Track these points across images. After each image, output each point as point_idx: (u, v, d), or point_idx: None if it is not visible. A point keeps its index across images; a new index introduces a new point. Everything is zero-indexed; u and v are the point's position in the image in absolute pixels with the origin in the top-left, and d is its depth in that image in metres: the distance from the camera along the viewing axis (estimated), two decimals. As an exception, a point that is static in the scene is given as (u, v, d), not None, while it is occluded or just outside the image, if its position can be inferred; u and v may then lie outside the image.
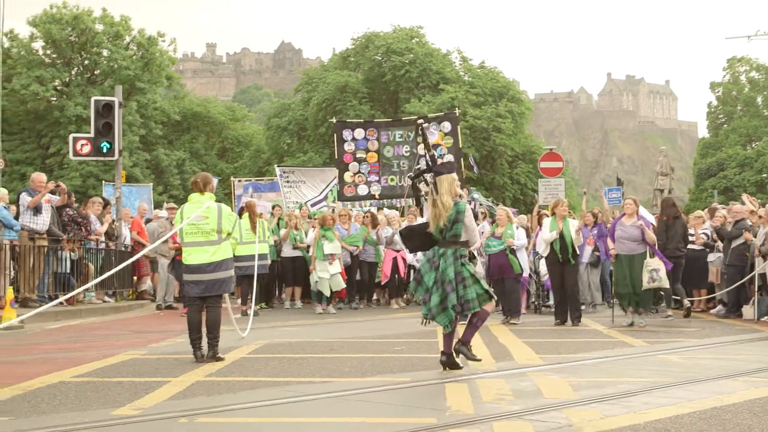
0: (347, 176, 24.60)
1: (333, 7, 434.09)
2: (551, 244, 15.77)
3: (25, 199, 17.52)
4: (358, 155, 24.71)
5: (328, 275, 18.58)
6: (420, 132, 11.65)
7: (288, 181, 27.81)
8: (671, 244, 17.16)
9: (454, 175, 9.92)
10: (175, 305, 19.64)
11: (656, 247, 15.56)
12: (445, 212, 9.50)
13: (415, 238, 9.98)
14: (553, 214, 16.05)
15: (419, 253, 17.30)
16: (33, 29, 55.04)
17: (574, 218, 17.17)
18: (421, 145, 23.76)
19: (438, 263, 9.54)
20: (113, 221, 20.98)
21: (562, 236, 15.65)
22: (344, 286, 19.09)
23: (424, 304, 9.57)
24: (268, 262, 18.80)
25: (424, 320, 9.70)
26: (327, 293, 18.76)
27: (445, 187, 9.64)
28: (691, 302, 19.27)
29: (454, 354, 9.62)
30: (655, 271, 14.97)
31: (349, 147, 24.72)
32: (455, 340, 9.66)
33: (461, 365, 9.64)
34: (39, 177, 18.29)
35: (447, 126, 24.97)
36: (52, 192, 18.14)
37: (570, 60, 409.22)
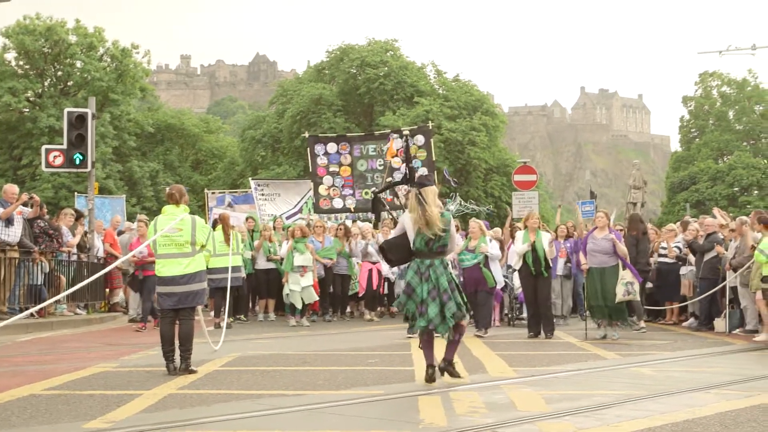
0: (322, 189, 24.60)
1: (308, 20, 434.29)
2: (524, 256, 15.85)
3: (-4, 210, 17.38)
4: (331, 169, 24.71)
5: (299, 288, 18.53)
6: (404, 143, 11.79)
7: (263, 194, 27.79)
8: (642, 259, 17.35)
9: (435, 188, 9.95)
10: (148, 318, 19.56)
11: (628, 261, 15.63)
12: (435, 223, 9.52)
13: (397, 251, 9.93)
14: (526, 227, 16.14)
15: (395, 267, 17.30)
16: (6, 40, 54.73)
17: (547, 231, 17.24)
18: (396, 158, 23.94)
19: (428, 274, 9.57)
20: (86, 233, 20.85)
21: (534, 249, 15.72)
22: (317, 298, 19.00)
23: (421, 316, 9.55)
24: (242, 274, 18.75)
25: (424, 331, 9.68)
26: (299, 305, 18.71)
27: (431, 198, 9.66)
28: (663, 315, 19.44)
29: (440, 373, 9.67)
30: (630, 284, 15.07)
31: (321, 161, 24.71)
32: (439, 360, 9.71)
33: (461, 375, 9.83)
34: (11, 188, 18.16)
35: (420, 139, 24.98)
36: (25, 204, 18.01)
37: (544, 74, 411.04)
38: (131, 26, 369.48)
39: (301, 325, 18.53)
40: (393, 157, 23.59)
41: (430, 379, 9.48)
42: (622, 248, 15.46)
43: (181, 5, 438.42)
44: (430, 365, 9.60)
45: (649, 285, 18.81)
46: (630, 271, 15.29)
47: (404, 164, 23.00)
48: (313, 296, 18.76)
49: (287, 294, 18.83)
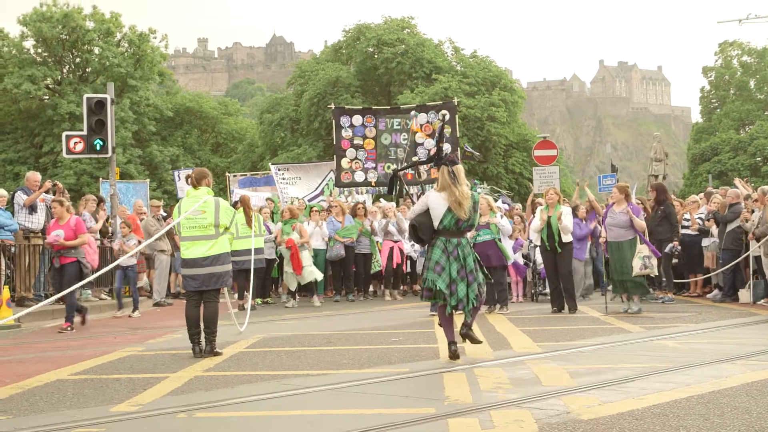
0: (344, 162, 24.57)
1: (324, 0, 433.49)
2: (540, 232, 15.84)
3: (20, 197, 17.49)
4: (355, 141, 24.67)
5: (291, 268, 18.56)
6: (441, 122, 11.93)
7: (284, 178, 27.80)
8: (676, 222, 17.58)
9: (462, 166, 9.98)
10: (169, 301, 19.72)
11: (646, 235, 15.56)
12: (465, 201, 9.56)
13: (427, 231, 9.90)
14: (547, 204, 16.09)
15: (416, 245, 17.28)
16: (23, 28, 54.81)
17: (567, 205, 17.16)
18: (419, 134, 23.94)
19: (456, 253, 9.62)
20: (108, 218, 20.94)
21: (549, 224, 15.68)
22: (312, 278, 18.85)
23: (451, 295, 9.58)
24: (264, 256, 18.79)
25: (452, 310, 9.71)
26: (292, 287, 18.76)
27: (462, 177, 9.69)
28: (687, 287, 19.38)
29: (462, 338, 9.78)
30: (648, 258, 15.00)
31: (346, 133, 24.67)
32: (458, 325, 9.84)
33: (480, 340, 10.05)
34: (34, 176, 18.29)
35: (441, 115, 24.94)
36: (48, 191, 18.12)
37: (562, 47, 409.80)
38: (148, 10, 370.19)
39: (313, 305, 18.53)
40: (416, 132, 23.59)
41: (453, 355, 9.50)
42: (639, 222, 15.35)
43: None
44: (452, 342, 9.63)
45: (675, 261, 18.72)
46: (647, 246, 15.21)
47: (429, 139, 23.10)
48: (309, 276, 18.61)
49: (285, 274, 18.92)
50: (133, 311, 17.22)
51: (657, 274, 15.82)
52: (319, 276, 18.95)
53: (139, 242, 17.36)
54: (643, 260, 14.99)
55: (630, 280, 15.18)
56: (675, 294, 18.17)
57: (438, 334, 11.46)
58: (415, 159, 22.82)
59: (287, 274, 18.73)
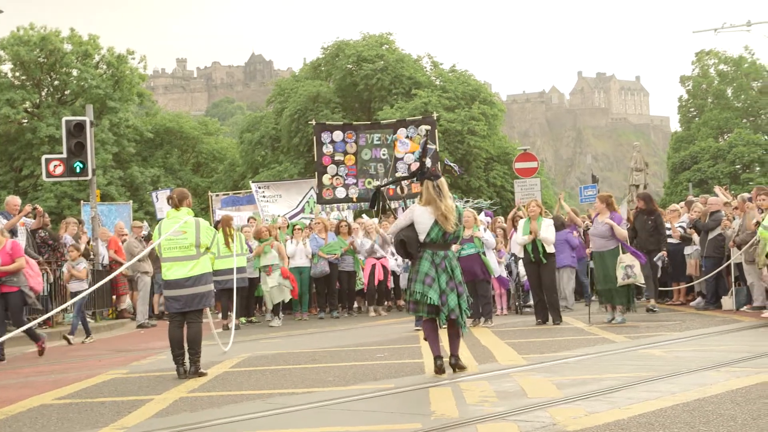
0: (326, 179, 24.56)
1: (302, 18, 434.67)
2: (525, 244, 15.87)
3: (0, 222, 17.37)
4: (336, 158, 24.68)
5: (267, 287, 18.52)
6: (425, 137, 11.90)
7: (264, 196, 27.79)
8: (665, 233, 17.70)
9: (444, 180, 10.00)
10: (153, 322, 19.65)
11: (628, 243, 15.58)
12: (451, 214, 9.62)
13: (414, 245, 9.89)
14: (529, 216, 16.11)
15: (400, 258, 17.28)
16: (1, 52, 54.69)
17: (549, 217, 17.18)
18: (399, 149, 23.98)
19: (444, 265, 9.64)
20: (89, 241, 20.85)
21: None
22: (282, 299, 18.69)
23: (444, 305, 9.57)
24: (247, 275, 18.72)
25: (444, 323, 9.70)
26: (270, 306, 18.71)
27: (446, 190, 9.70)
28: (671, 295, 19.43)
29: (452, 369, 9.69)
30: (630, 267, 14.97)
31: (327, 149, 24.69)
32: (443, 339, 9.85)
33: (465, 366, 9.80)
34: (13, 200, 18.19)
35: (424, 130, 25.00)
36: (27, 215, 18.02)
37: (541, 60, 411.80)
38: (126, 32, 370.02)
39: (270, 325, 18.40)
40: (413, 151, 23.66)
41: (439, 370, 9.49)
42: (620, 231, 15.34)
43: (174, 8, 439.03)
44: (437, 356, 9.61)
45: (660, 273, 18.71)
46: (630, 253, 15.21)
47: (409, 154, 23.15)
48: (276, 297, 18.52)
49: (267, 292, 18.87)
50: (69, 333, 16.58)
51: (643, 282, 15.75)
52: (287, 297, 18.83)
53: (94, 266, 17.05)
54: (625, 270, 14.98)
55: (614, 290, 15.20)
56: (658, 302, 18.22)
57: (423, 348, 11.45)
58: (397, 175, 22.85)
59: (266, 293, 18.66)
